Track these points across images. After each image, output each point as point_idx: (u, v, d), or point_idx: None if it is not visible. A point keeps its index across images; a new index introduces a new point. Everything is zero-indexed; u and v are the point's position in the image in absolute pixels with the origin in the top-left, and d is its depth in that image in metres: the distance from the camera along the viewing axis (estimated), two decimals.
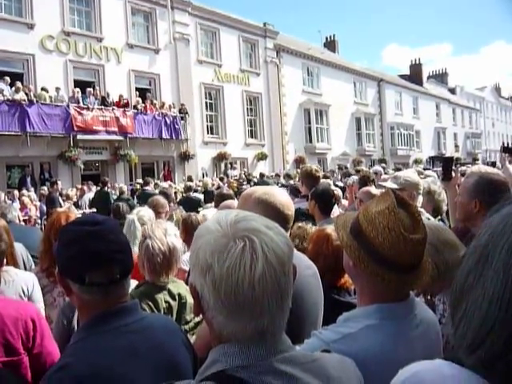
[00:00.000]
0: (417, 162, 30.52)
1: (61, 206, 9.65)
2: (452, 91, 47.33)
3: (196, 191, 10.81)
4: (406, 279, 1.26)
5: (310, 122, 26.62)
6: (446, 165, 3.19)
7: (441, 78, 49.62)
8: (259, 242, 0.83)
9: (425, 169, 13.59)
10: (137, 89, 18.58)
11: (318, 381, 0.87)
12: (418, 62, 43.28)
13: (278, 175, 15.72)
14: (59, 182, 11.12)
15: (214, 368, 0.84)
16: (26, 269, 3.00)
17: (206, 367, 0.87)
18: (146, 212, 3.74)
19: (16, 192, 11.63)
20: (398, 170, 12.70)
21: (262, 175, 15.11)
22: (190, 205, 7.62)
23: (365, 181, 4.67)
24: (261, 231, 0.85)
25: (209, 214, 3.84)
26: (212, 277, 0.82)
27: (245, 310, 0.82)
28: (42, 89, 15.03)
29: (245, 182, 14.50)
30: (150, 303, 1.96)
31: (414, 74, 41.89)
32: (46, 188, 12.01)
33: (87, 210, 10.27)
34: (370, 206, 1.31)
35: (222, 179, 15.07)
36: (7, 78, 14.28)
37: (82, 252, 1.23)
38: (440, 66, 76.49)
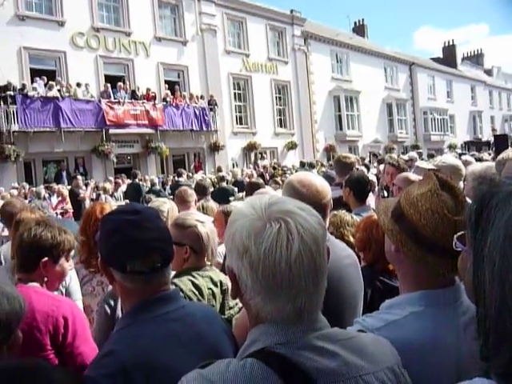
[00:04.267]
0: (451, 147, 29.68)
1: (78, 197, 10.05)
2: (488, 73, 45.65)
3: (227, 182, 10.84)
4: (450, 263, 1.18)
5: (340, 110, 26.27)
6: (499, 143, 2.99)
7: (476, 59, 47.89)
8: (294, 223, 0.85)
9: (461, 154, 13.20)
10: (166, 81, 18.77)
11: (354, 356, 0.88)
12: (451, 43, 41.90)
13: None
14: (79, 177, 11.45)
15: (253, 347, 0.87)
16: None
17: (245, 347, 0.90)
18: (164, 202, 3.62)
19: (55, 186, 11.99)
20: (432, 156, 12.39)
21: (302, 164, 14.91)
22: (223, 195, 7.62)
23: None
24: (295, 213, 0.87)
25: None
26: (249, 259, 0.84)
27: (282, 290, 0.84)
28: (77, 84, 15.41)
29: (288, 170, 14.17)
30: (195, 290, 1.96)
31: (448, 56, 40.57)
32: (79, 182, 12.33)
33: (122, 202, 10.50)
34: (412, 189, 1.27)
35: (264, 168, 14.98)
36: (44, 78, 14.80)
37: (122, 241, 1.24)
38: (476, 47, 74.02)
